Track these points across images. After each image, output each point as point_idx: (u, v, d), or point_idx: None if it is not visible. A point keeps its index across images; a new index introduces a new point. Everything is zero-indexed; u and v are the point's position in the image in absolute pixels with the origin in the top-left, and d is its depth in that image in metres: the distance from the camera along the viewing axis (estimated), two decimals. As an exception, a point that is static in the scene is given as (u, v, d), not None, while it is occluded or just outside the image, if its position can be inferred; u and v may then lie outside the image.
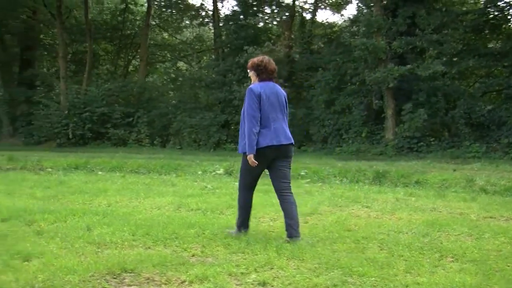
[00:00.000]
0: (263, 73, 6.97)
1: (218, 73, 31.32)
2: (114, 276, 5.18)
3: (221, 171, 15.53)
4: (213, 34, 37.23)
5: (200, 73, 33.93)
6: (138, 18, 40.54)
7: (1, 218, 7.96)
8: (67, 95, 32.19)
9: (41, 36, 40.93)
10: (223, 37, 34.18)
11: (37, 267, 5.32)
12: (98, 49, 40.10)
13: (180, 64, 41.09)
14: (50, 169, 16.29)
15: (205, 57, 40.50)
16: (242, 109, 7.01)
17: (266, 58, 7.08)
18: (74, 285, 4.82)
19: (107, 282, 4.99)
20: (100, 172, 15.68)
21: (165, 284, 5.01)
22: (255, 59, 7.10)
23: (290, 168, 7.10)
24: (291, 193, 7.02)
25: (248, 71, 7.17)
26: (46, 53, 42.56)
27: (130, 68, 42.39)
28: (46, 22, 39.58)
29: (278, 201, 7.12)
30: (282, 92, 7.08)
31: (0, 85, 34.02)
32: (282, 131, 6.84)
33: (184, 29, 42.97)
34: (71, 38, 38.19)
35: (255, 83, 6.98)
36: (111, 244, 6.45)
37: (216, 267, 5.39)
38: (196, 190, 11.54)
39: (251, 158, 6.69)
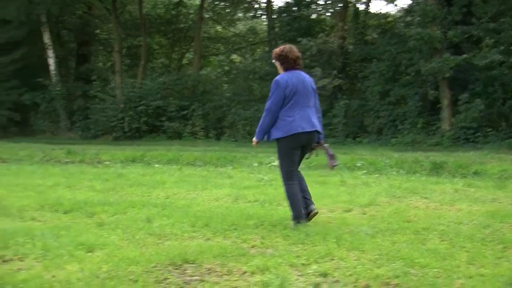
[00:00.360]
0: (286, 62, 7.12)
1: (272, 65, 31.18)
2: (176, 267, 5.23)
3: (277, 163, 15.51)
4: (266, 26, 37.19)
5: (254, 66, 33.87)
6: (191, 11, 40.70)
7: (63, 210, 8.14)
8: (123, 89, 32.55)
9: (97, 31, 41.46)
10: (277, 29, 34.14)
11: (100, 258, 5.41)
12: (152, 43, 40.41)
13: (234, 56, 41.17)
14: (107, 162, 16.54)
15: (258, 50, 40.45)
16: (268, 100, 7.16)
17: (287, 46, 7.23)
18: (138, 276, 4.88)
19: (170, 273, 5.05)
20: (156, 165, 15.85)
21: (227, 275, 5.03)
22: (277, 49, 7.31)
23: (305, 154, 7.37)
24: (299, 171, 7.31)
25: (273, 61, 7.38)
26: (101, 48, 43.13)
27: (184, 61, 42.64)
28: (102, 17, 40.08)
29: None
30: (309, 79, 7.23)
31: (58, 80, 34.52)
32: (308, 119, 7.00)
33: (238, 22, 43.01)
34: (125, 32, 38.60)
35: (282, 74, 7.13)
36: (171, 235, 6.52)
37: (276, 258, 5.40)
38: (252, 182, 11.57)
39: (255, 141, 7.23)
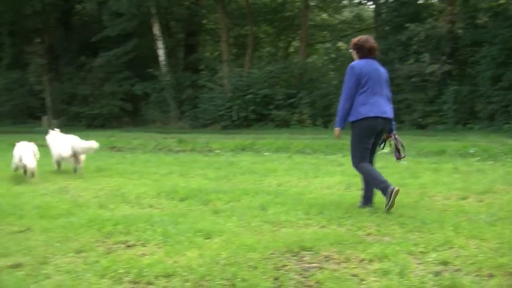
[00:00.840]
0: (361, 51, 7.47)
1: (379, 52, 30.79)
2: (293, 254, 5.26)
3: (387, 150, 15.28)
4: (373, 12, 36.71)
5: (360, 53, 33.49)
6: (297, -1, 40.74)
7: (179, 197, 8.33)
8: (230, 78, 32.88)
9: (204, 21, 42.06)
10: (383, 15, 33.60)
11: (219, 245, 5.51)
12: (259, 31, 40.63)
13: (340, 44, 40.87)
14: (218, 151, 16.81)
15: (365, 36, 39.91)
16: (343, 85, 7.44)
17: (364, 37, 7.62)
18: (256, 262, 4.95)
19: (288, 260, 5.09)
20: (266, 153, 15.97)
21: (345, 262, 5.03)
22: (354, 39, 7.66)
23: (379, 143, 7.76)
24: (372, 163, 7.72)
25: (350, 51, 7.74)
26: (209, 37, 43.76)
27: (291, 49, 42.69)
28: (209, 8, 40.61)
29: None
30: (383, 70, 7.56)
31: (167, 70, 35.25)
32: (382, 106, 7.30)
33: (343, 9, 42.66)
34: (232, 22, 38.93)
35: (356, 61, 7.46)
36: (286, 222, 6.57)
37: (394, 246, 5.35)
38: (363, 170, 11.45)
39: (337, 130, 7.49)
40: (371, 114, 7.20)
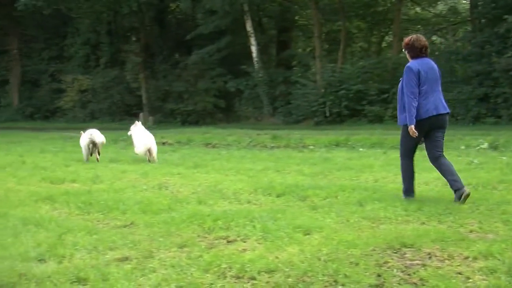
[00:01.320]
0: (412, 50, 7.73)
1: (475, 45, 30.01)
2: (394, 251, 5.22)
3: (486, 145, 14.97)
4: (468, 5, 35.81)
5: (456, 46, 32.82)
6: (390, -7, 40.18)
7: (276, 193, 8.41)
8: (323, 74, 32.78)
9: (296, 17, 42.08)
10: (480, 7, 32.75)
11: (319, 241, 5.53)
12: (351, 27, 40.30)
13: (434, 38, 40.06)
14: (312, 147, 16.81)
15: (460, 30, 39.08)
16: (400, 84, 7.87)
17: (414, 36, 7.90)
18: (358, 259, 4.94)
19: (389, 256, 5.06)
20: (361, 149, 15.87)
21: (448, 259, 4.96)
22: (405, 39, 7.92)
23: (443, 138, 7.93)
24: (445, 157, 7.90)
25: (403, 50, 7.99)
26: (301, 33, 43.76)
27: (383, 44, 42.19)
28: (301, 4, 40.56)
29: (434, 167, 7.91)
30: (436, 66, 7.82)
31: (260, 67, 35.47)
32: (440, 102, 7.67)
33: (438, 2, 41.76)
34: (325, 17, 38.78)
35: (412, 61, 7.72)
36: (385, 219, 6.53)
37: (499, 244, 5.23)
38: (462, 165, 11.19)
39: (412, 129, 7.49)
40: (434, 112, 7.55)
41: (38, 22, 44.25)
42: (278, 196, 8.28)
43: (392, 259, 4.99)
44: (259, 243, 5.57)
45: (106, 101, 38.50)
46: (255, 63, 35.46)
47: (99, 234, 6.11)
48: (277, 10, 39.26)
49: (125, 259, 5.15)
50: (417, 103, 7.47)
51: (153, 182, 9.99)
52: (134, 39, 41.97)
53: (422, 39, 7.79)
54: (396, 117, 8.19)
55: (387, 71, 33.33)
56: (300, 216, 6.71)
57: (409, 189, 7.82)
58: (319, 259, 4.94)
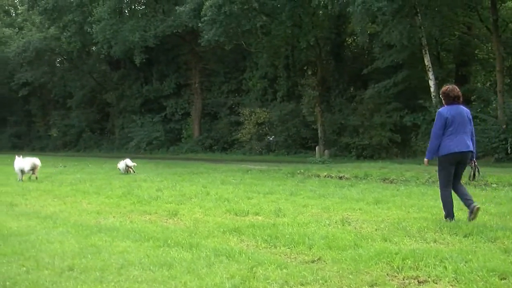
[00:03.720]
0: (447, 98, 9.56)
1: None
2: None
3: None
4: None
5: None
6: None
7: (463, 233, 8.20)
8: (505, 109, 31.52)
9: (476, 51, 40.90)
10: None
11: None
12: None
13: None
14: (495, 185, 16.19)
15: None
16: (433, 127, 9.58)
17: (450, 87, 9.69)
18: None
19: None
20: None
21: None
22: (443, 88, 9.88)
23: (463, 170, 9.71)
24: (461, 184, 9.72)
25: (440, 97, 10.17)
26: (480, 67, 42.43)
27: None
28: (481, 37, 39.37)
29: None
30: (467, 111, 9.59)
31: (438, 101, 34.63)
32: (463, 142, 9.35)
33: None
34: (507, 51, 37.41)
35: (444, 107, 9.59)
36: None
37: None
38: None
39: (426, 161, 9.79)
40: (456, 150, 9.29)
41: (219, 57, 46.13)
42: (465, 236, 8.05)
43: None
44: (452, 285, 5.46)
45: (282, 134, 39.14)
46: (433, 97, 34.70)
47: (289, 268, 6.23)
48: (456, 44, 38.34)
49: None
50: (438, 143, 9.37)
51: (335, 217, 10.06)
52: (310, 72, 42.52)
53: (456, 89, 9.60)
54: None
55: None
56: (492, 258, 6.48)
57: (449, 214, 9.37)
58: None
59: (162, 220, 10.17)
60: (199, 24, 33.21)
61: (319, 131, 36.57)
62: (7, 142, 68.44)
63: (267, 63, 41.76)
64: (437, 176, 9.77)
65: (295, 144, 39.12)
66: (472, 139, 9.59)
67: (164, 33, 40.86)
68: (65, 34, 47.75)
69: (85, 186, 16.79)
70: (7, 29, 62.22)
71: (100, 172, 23.14)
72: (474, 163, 9.87)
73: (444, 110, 9.46)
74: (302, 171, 21.03)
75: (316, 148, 34.64)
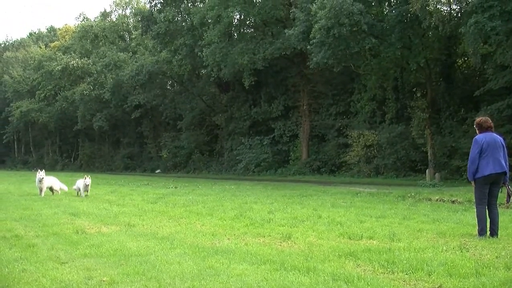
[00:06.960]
0: (480, 128, 10.86)
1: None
2: None
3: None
4: None
5: None
6: None
7: None
8: None
9: None
10: None
11: None
12: None
13: None
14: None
15: None
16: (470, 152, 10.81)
17: (483, 118, 10.92)
18: None
19: None
20: None
21: None
22: (477, 119, 11.06)
23: (499, 190, 10.84)
24: (496, 207, 10.81)
25: (474, 126, 11.11)
26: None
27: None
28: None
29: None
30: (500, 138, 10.80)
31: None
32: (498, 164, 10.49)
33: None
34: None
35: (479, 135, 10.75)
36: None
37: None
38: None
39: (473, 183, 10.80)
40: (488, 172, 10.46)
41: (327, 79, 46.20)
42: None
43: None
44: None
45: (391, 156, 38.63)
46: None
47: (410, 295, 6.16)
48: None
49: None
50: (475, 167, 10.56)
51: (452, 242, 9.87)
52: (419, 94, 41.86)
53: (489, 121, 10.86)
54: None
55: None
56: None
57: (482, 230, 10.44)
58: None
59: (276, 243, 10.23)
60: (308, 47, 33.37)
61: (429, 154, 35.89)
62: (120, 163, 70.80)
63: (375, 85, 41.47)
64: (473, 196, 11.09)
65: (404, 166, 38.50)
66: (506, 164, 10.60)
67: (273, 56, 41.35)
68: (176, 57, 49.24)
69: (198, 207, 17.10)
70: (122, 53, 64.68)
71: (210, 194, 23.53)
72: (507, 185, 10.76)
73: (480, 137, 10.69)
74: (413, 194, 20.66)
75: (426, 171, 33.99)
